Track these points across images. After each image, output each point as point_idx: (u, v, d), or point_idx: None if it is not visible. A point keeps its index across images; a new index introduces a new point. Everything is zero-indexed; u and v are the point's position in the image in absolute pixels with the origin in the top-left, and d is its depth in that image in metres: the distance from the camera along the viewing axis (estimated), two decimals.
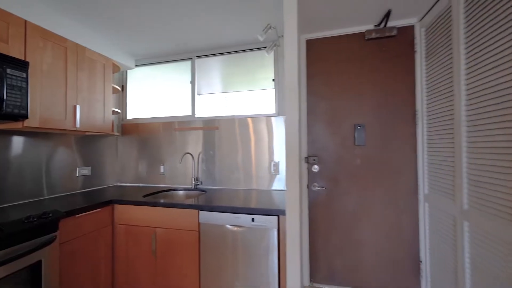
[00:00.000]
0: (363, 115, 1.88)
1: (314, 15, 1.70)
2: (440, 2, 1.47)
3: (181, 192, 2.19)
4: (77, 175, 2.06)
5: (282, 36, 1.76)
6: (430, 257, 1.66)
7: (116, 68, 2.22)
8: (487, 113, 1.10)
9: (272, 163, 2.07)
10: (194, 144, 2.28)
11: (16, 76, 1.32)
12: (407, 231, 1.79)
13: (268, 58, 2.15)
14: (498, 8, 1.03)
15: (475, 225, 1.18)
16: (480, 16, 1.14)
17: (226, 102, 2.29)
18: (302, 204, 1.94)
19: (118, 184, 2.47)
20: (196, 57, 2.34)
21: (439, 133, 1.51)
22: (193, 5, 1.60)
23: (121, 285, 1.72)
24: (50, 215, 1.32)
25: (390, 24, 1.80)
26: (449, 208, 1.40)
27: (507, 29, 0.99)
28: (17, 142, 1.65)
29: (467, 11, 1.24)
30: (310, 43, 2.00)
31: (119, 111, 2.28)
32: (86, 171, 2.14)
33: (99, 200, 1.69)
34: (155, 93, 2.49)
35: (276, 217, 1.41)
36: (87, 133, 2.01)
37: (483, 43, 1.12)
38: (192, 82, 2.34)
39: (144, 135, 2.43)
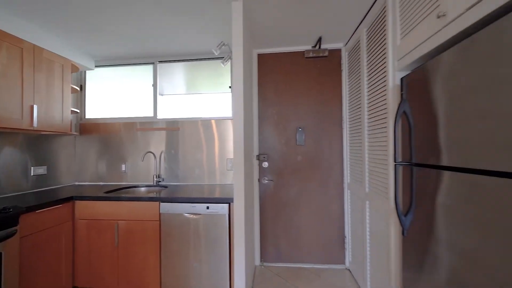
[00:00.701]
0: (303, 119, 2.27)
1: (263, 35, 2.03)
2: (355, 34, 1.92)
3: (143, 188, 2.33)
4: (31, 174, 2.06)
5: None
6: (351, 232, 2.12)
7: (74, 68, 2.26)
8: (377, 122, 1.54)
9: (229, 161, 2.34)
10: (156, 143, 2.43)
11: None
12: (336, 214, 2.23)
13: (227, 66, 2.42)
14: (378, 47, 1.47)
15: (372, 202, 1.62)
16: (373, 51, 1.58)
17: (189, 103, 2.49)
18: (254, 195, 2.26)
19: (76, 183, 2.49)
20: (158, 62, 2.49)
21: (355, 136, 1.96)
22: (151, 15, 1.78)
23: (83, 276, 1.82)
24: (11, 210, 1.40)
25: (323, 46, 2.23)
26: (360, 192, 1.84)
27: (383, 62, 1.42)
28: None
29: (368, 37, 1.68)
30: (261, 57, 2.33)
31: (78, 110, 2.32)
32: (41, 170, 2.14)
33: (53, 198, 1.76)
34: (116, 93, 2.57)
35: (227, 204, 1.69)
36: (42, 133, 2.03)
37: (374, 70, 1.56)
38: (154, 85, 2.48)
39: (105, 135, 2.49)
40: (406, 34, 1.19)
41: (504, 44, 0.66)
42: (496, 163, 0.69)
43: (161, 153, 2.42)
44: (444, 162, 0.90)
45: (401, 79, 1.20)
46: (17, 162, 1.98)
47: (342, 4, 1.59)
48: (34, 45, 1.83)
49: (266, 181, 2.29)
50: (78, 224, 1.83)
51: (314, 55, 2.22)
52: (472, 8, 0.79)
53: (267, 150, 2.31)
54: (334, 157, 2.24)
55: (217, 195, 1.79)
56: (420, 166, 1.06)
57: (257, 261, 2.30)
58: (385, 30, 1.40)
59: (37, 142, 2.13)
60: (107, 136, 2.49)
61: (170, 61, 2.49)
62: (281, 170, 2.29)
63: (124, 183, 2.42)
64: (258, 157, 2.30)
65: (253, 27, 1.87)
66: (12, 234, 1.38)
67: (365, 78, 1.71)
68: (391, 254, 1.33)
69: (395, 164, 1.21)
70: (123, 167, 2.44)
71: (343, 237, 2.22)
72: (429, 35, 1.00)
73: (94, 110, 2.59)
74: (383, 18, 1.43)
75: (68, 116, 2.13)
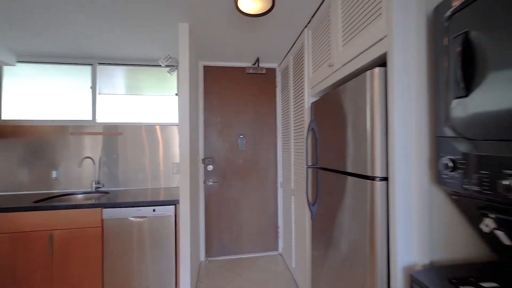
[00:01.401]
0: (244, 127, 2.58)
1: (209, 50, 2.23)
2: (286, 59, 2.33)
3: (80, 195, 2.22)
4: None
5: None
6: (283, 223, 2.53)
7: None
8: (299, 133, 1.96)
9: (175, 165, 2.46)
10: (94, 148, 2.34)
11: None
12: (271, 208, 2.61)
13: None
14: (300, 74, 1.88)
15: (296, 197, 2.04)
16: (297, 76, 1.99)
17: (131, 106, 2.48)
18: (199, 196, 2.44)
19: None
20: (98, 64, 2.41)
21: (285, 143, 2.37)
22: (88, 18, 1.78)
23: None
24: None
25: (261, 65, 2.59)
26: (288, 189, 2.25)
27: (302, 86, 1.83)
28: None
29: (294, 64, 2.09)
30: (207, 68, 2.53)
31: None
32: None
33: None
34: (45, 94, 2.35)
35: (173, 206, 1.84)
36: None
37: (298, 92, 1.98)
38: (93, 88, 2.39)
39: (29, 138, 2.25)
40: (315, 70, 1.61)
41: (353, 93, 1.07)
42: (338, 164, 1.11)
43: (100, 158, 2.35)
44: (320, 165, 1.32)
45: (311, 103, 1.61)
46: None
47: (274, 35, 1.95)
48: None
49: (211, 183, 2.51)
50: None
51: (254, 71, 2.56)
52: (345, 65, 1.21)
53: (212, 154, 2.52)
54: (270, 160, 2.62)
55: (162, 198, 1.91)
56: (321, 169, 1.47)
57: (202, 257, 2.49)
58: (303, 62, 1.81)
59: None
60: (32, 140, 2.26)
61: (111, 64, 2.43)
62: (225, 172, 2.54)
63: (56, 191, 2.25)
64: (203, 160, 2.49)
65: (199, 43, 2.07)
66: None
67: (292, 97, 2.12)
68: (306, 237, 1.74)
69: (306, 167, 1.62)
70: (54, 174, 2.27)
71: (276, 228, 2.62)
72: (325, 76, 1.41)
73: (15, 110, 2.31)
74: (302, 53, 1.85)
75: None
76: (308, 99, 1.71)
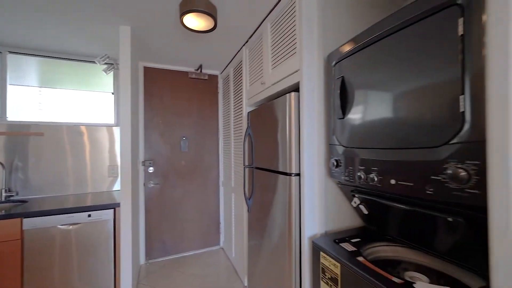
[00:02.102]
0: (187, 129, 2.67)
1: (151, 53, 2.24)
2: (227, 68, 2.55)
3: None
4: None
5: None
6: (224, 219, 2.74)
7: None
8: (239, 137, 2.21)
9: (110, 168, 2.34)
10: (2, 151, 2.02)
11: None
12: (213, 206, 2.79)
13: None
14: (239, 84, 2.14)
15: (236, 194, 2.28)
16: (237, 86, 2.24)
17: (53, 103, 2.22)
18: (139, 198, 2.40)
19: None
20: (8, 52, 2.07)
21: (226, 145, 2.60)
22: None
23: None
24: None
25: (204, 71, 2.73)
26: (229, 187, 2.48)
27: (241, 96, 2.09)
28: None
29: (234, 75, 2.33)
30: (148, 70, 2.51)
31: None
32: None
33: None
34: None
35: (112, 210, 1.81)
36: None
37: (237, 100, 2.23)
38: (2, 80, 2.05)
39: None
40: (251, 84, 1.88)
41: (278, 109, 1.38)
42: (268, 164, 1.42)
43: (12, 162, 2.04)
44: (255, 165, 1.62)
45: (248, 112, 1.88)
46: None
47: (216, 48, 2.14)
48: None
49: (152, 185, 2.50)
50: None
51: (196, 76, 2.68)
52: (274, 85, 1.51)
53: (153, 156, 2.52)
54: (212, 161, 2.79)
55: (92, 203, 1.83)
56: (256, 168, 1.76)
57: (142, 260, 2.46)
58: (242, 75, 2.07)
59: None
60: None
61: (28, 54, 2.14)
62: (167, 174, 2.57)
63: None
64: (143, 162, 2.46)
65: (141, 44, 2.06)
66: None
67: (232, 104, 2.36)
68: (244, 228, 2.01)
69: (244, 167, 1.88)
70: None
71: (218, 224, 2.82)
72: (259, 91, 1.70)
73: None
74: (241, 67, 2.10)
75: None
76: (246, 108, 1.97)
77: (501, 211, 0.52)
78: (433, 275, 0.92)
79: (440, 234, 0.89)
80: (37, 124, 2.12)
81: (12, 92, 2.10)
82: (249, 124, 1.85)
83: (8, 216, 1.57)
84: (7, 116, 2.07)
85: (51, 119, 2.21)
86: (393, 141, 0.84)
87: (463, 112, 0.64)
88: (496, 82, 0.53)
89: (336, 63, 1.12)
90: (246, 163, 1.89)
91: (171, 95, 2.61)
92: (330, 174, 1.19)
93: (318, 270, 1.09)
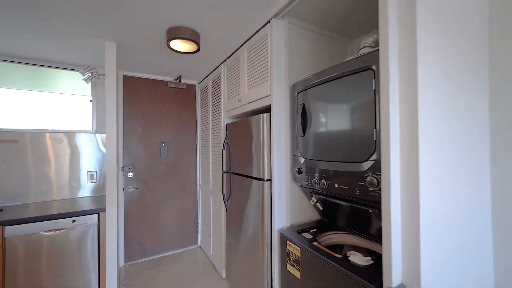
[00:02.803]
0: (166, 136, 2.81)
1: (131, 63, 2.35)
2: (205, 80, 2.76)
3: None
4: None
5: (103, 74, 2.22)
6: (201, 219, 2.94)
7: None
8: (217, 145, 2.44)
9: (89, 173, 2.39)
10: None
11: None
12: (191, 207, 2.97)
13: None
14: (217, 97, 2.37)
15: (214, 196, 2.50)
16: (216, 98, 2.47)
17: (30, 107, 2.21)
18: (119, 203, 2.49)
19: None
20: None
21: (204, 151, 2.80)
22: None
23: None
24: None
25: (183, 81, 2.90)
26: (207, 190, 2.69)
27: (219, 108, 2.33)
28: None
29: (212, 87, 2.55)
30: (127, 78, 2.60)
31: None
32: None
33: None
34: None
35: (96, 215, 1.91)
36: None
37: (215, 110, 2.45)
38: None
39: None
40: (229, 99, 2.13)
41: (253, 125, 1.66)
42: (244, 170, 1.69)
43: None
44: (233, 171, 1.88)
45: (226, 124, 2.12)
46: None
47: (196, 63, 2.34)
48: None
49: (132, 190, 2.60)
50: None
51: (175, 86, 2.83)
52: (250, 103, 1.78)
53: (133, 162, 2.62)
54: (190, 166, 2.97)
55: (78, 208, 1.92)
56: (233, 173, 2.01)
57: (122, 262, 2.55)
58: (220, 89, 2.30)
59: None
60: None
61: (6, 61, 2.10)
62: (146, 179, 2.69)
63: None
64: (123, 168, 2.55)
65: (122, 57, 2.16)
66: None
67: (210, 113, 2.57)
68: (222, 226, 2.24)
69: (223, 172, 2.12)
70: None
71: (196, 224, 3.00)
72: (236, 107, 1.96)
73: None
74: (219, 82, 2.34)
75: None
76: (224, 120, 2.21)
77: (387, 203, 0.85)
78: (365, 252, 1.27)
79: (367, 222, 1.25)
80: (8, 131, 2.10)
81: None
82: (227, 135, 2.09)
83: None
84: None
85: (26, 126, 2.20)
86: (336, 156, 1.17)
87: (375, 140, 0.98)
88: (384, 123, 0.86)
89: (298, 93, 1.44)
90: (225, 169, 2.13)
91: (150, 103, 2.73)
92: (294, 179, 1.50)
93: (285, 255, 1.39)
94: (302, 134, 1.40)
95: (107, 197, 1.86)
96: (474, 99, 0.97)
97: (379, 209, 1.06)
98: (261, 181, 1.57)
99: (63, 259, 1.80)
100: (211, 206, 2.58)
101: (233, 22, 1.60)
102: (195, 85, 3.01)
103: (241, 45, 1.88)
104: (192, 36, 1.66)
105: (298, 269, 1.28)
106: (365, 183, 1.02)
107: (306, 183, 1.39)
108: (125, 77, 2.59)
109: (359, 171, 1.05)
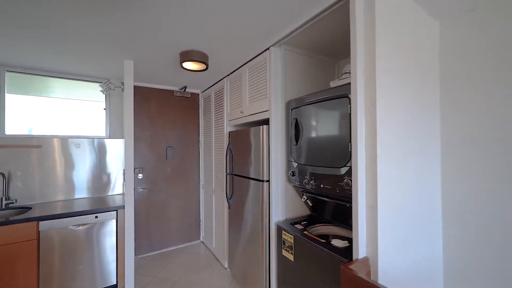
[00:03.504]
0: (172, 140, 3.08)
1: (143, 75, 2.61)
2: (208, 90, 3.04)
3: None
4: None
5: (119, 86, 2.48)
6: (204, 217, 3.22)
7: None
8: (220, 149, 2.72)
9: (104, 176, 2.64)
10: (1, 162, 2.20)
11: None
12: (194, 206, 3.25)
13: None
14: (220, 106, 2.65)
15: (216, 195, 2.79)
16: (218, 107, 2.75)
17: (48, 115, 2.45)
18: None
19: None
20: (6, 71, 2.25)
21: (207, 154, 3.08)
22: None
23: None
24: None
25: (188, 90, 3.17)
26: (209, 189, 2.97)
27: (222, 116, 2.61)
28: None
29: (215, 98, 2.84)
30: (137, 88, 2.86)
31: None
32: None
33: None
34: None
35: (115, 212, 2.17)
36: None
37: (218, 118, 2.74)
38: (1, 98, 2.22)
39: None
40: (232, 109, 2.42)
41: (254, 135, 1.95)
42: (245, 173, 1.98)
43: (9, 172, 2.24)
44: (235, 173, 2.17)
45: (229, 132, 2.41)
46: None
47: (201, 76, 2.62)
48: None
49: (141, 190, 2.86)
50: None
51: (180, 95, 3.10)
52: (251, 115, 2.07)
53: (142, 164, 2.87)
54: (193, 168, 3.24)
55: (100, 205, 2.17)
56: (235, 175, 2.30)
57: None
58: (223, 100, 2.59)
59: None
60: None
61: (29, 73, 2.34)
62: (154, 180, 2.95)
63: None
64: (134, 170, 2.80)
65: (136, 70, 2.43)
66: None
67: (213, 121, 2.86)
68: (224, 222, 2.53)
69: (226, 174, 2.41)
70: None
71: (199, 221, 3.28)
72: (238, 117, 2.25)
73: None
74: (222, 93, 2.62)
75: None
76: (227, 128, 2.50)
77: (355, 200, 1.15)
78: (345, 239, 1.58)
79: (346, 215, 1.56)
80: (34, 137, 2.33)
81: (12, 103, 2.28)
82: (230, 141, 2.38)
83: (25, 220, 1.84)
84: (5, 130, 2.25)
85: (46, 131, 2.43)
86: (322, 162, 1.48)
87: (350, 151, 1.29)
88: (353, 139, 1.17)
89: (292, 109, 1.74)
90: (228, 171, 2.42)
91: (158, 110, 2.99)
92: (289, 180, 1.80)
93: (280, 242, 1.69)
94: (295, 144, 1.70)
95: (125, 196, 2.12)
96: (425, 122, 1.29)
97: None
98: (261, 182, 1.87)
99: (86, 251, 2.06)
100: (213, 204, 2.86)
101: (238, 48, 1.89)
102: (198, 94, 3.28)
103: (243, 64, 2.17)
104: (202, 58, 1.94)
105: (292, 253, 1.58)
106: (343, 184, 1.33)
107: (299, 183, 1.70)
108: (136, 87, 2.84)
109: (338, 174, 1.36)
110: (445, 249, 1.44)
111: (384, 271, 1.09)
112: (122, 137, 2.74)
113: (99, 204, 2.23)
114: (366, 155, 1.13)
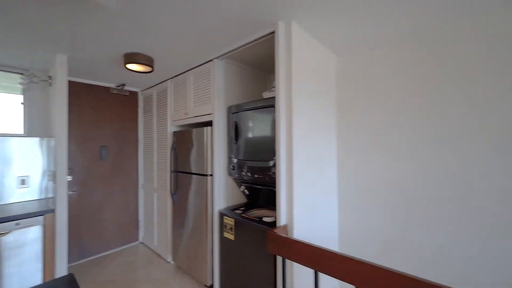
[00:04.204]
0: (107, 139, 2.94)
1: (73, 68, 2.43)
2: (149, 90, 3.05)
3: None
4: None
5: (45, 80, 2.25)
6: (143, 216, 3.19)
7: None
8: (163, 148, 2.80)
9: (20, 179, 2.33)
10: None
11: None
12: (133, 206, 3.18)
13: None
14: (163, 106, 2.75)
15: (158, 193, 2.85)
16: (161, 107, 2.83)
17: None
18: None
19: None
20: None
21: (148, 153, 3.08)
22: None
23: None
24: None
25: (126, 88, 3.08)
26: (151, 188, 3.00)
27: (165, 117, 2.71)
28: None
29: (158, 98, 2.89)
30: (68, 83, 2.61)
31: None
32: None
33: None
34: None
35: (42, 217, 2.00)
36: None
37: (161, 118, 2.81)
38: None
39: None
40: (176, 111, 2.56)
41: (198, 135, 2.18)
42: (190, 169, 2.21)
43: None
44: (179, 170, 2.36)
45: (173, 131, 2.55)
46: None
47: (142, 75, 2.64)
48: None
49: (70, 192, 2.63)
50: None
51: (118, 92, 3.00)
52: (195, 117, 2.29)
53: (71, 165, 2.65)
54: (132, 167, 3.17)
55: (20, 211, 1.96)
56: (179, 172, 2.46)
57: None
58: (166, 101, 2.69)
59: None
60: None
61: None
62: (86, 181, 2.76)
63: None
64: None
65: (68, 65, 2.26)
66: None
67: (156, 121, 2.91)
68: (168, 218, 2.64)
69: (170, 171, 2.54)
70: None
71: (137, 222, 3.23)
72: (183, 118, 2.43)
73: None
74: (166, 94, 2.72)
75: None
76: (171, 128, 2.63)
77: (278, 186, 1.57)
78: (274, 217, 2.01)
79: (275, 199, 2.00)
80: None
81: None
82: (174, 140, 2.53)
83: None
84: None
85: None
86: (256, 157, 1.86)
87: (274, 149, 1.71)
88: (277, 139, 1.58)
89: (232, 113, 2.07)
90: (172, 169, 2.55)
91: (91, 108, 2.81)
92: (230, 173, 2.12)
93: (222, 226, 1.99)
94: (235, 142, 2.04)
95: (57, 199, 1.99)
96: (327, 127, 1.83)
97: None
98: (205, 176, 2.12)
99: (10, 257, 1.84)
100: (155, 202, 2.91)
101: (183, 57, 2.08)
102: (137, 92, 3.23)
103: (188, 70, 2.37)
104: (148, 61, 2.04)
105: (232, 234, 1.91)
106: (271, 173, 1.75)
107: (238, 176, 2.04)
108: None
109: (268, 166, 1.77)
110: (339, 217, 2.04)
111: (297, 233, 1.54)
112: (43, 135, 2.47)
113: (18, 211, 2.01)
114: (286, 151, 1.56)
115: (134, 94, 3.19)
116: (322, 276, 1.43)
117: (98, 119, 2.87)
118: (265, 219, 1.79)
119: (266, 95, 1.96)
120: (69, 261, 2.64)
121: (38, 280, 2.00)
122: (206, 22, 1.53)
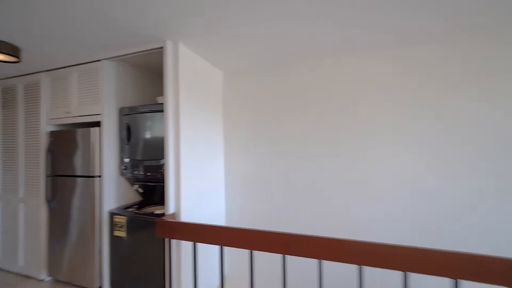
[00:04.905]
0: None
1: None
2: (10, 81, 2.54)
3: None
4: None
5: None
6: (1, 236, 2.59)
7: None
8: (34, 150, 2.42)
9: None
10: None
11: None
12: None
13: None
14: (35, 103, 2.39)
15: (27, 203, 2.43)
16: (31, 103, 2.43)
17: None
18: None
19: None
20: None
21: (8, 157, 2.54)
22: None
23: None
24: None
25: None
26: (13, 199, 2.49)
27: (38, 114, 2.37)
28: None
29: (26, 92, 2.46)
30: None
31: None
32: None
33: None
34: None
35: None
36: None
37: (31, 116, 2.42)
38: None
39: None
40: (53, 108, 2.30)
41: (83, 136, 2.10)
42: (73, 172, 2.12)
43: None
44: (58, 173, 2.19)
45: (50, 131, 2.28)
46: None
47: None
48: None
49: None
50: None
51: None
52: (80, 116, 2.17)
53: None
54: None
55: None
56: (58, 176, 2.24)
57: None
58: (40, 97, 2.36)
59: None
60: None
61: None
62: None
63: None
64: None
65: None
66: None
67: (23, 118, 2.46)
68: (41, 230, 2.32)
69: (46, 176, 2.26)
70: None
71: None
72: (63, 117, 2.24)
73: None
74: (38, 89, 2.37)
75: None
76: (46, 127, 2.33)
77: (167, 181, 1.83)
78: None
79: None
80: None
81: None
82: (51, 141, 2.26)
83: None
84: None
85: None
86: (148, 156, 2.03)
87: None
88: (165, 140, 1.85)
89: (125, 115, 2.14)
90: (48, 173, 2.27)
91: None
92: (122, 173, 2.17)
93: (112, 225, 2.03)
94: (127, 143, 2.12)
95: None
96: (213, 129, 2.24)
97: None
98: (91, 178, 2.07)
99: None
100: (20, 215, 2.45)
101: (66, 53, 1.96)
102: None
103: (71, 66, 2.21)
104: (11, 51, 1.80)
105: (124, 231, 1.99)
106: (162, 170, 1.97)
107: (130, 175, 2.12)
108: None
109: (159, 164, 1.99)
110: (226, 204, 2.50)
111: (185, 219, 1.85)
112: None
113: None
114: (174, 150, 1.84)
115: None
116: (206, 250, 1.79)
117: None
118: (156, 212, 1.99)
119: (160, 100, 2.16)
120: None
121: None
122: (86, 26, 1.59)
